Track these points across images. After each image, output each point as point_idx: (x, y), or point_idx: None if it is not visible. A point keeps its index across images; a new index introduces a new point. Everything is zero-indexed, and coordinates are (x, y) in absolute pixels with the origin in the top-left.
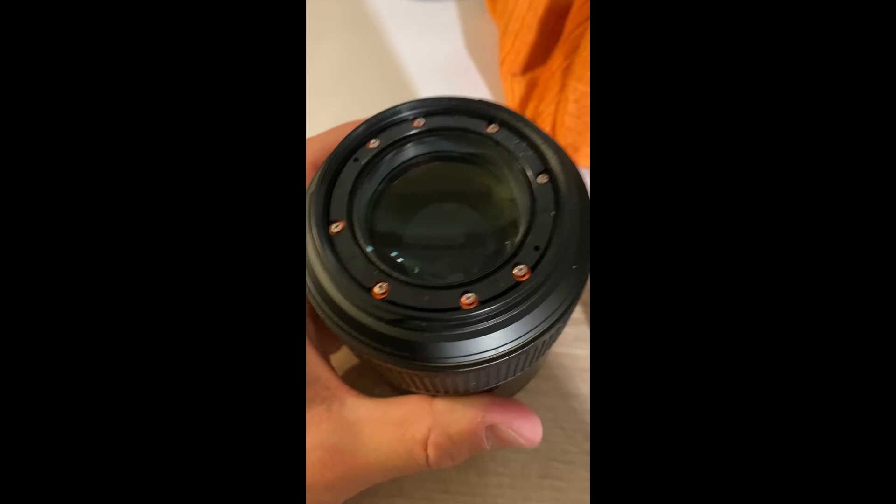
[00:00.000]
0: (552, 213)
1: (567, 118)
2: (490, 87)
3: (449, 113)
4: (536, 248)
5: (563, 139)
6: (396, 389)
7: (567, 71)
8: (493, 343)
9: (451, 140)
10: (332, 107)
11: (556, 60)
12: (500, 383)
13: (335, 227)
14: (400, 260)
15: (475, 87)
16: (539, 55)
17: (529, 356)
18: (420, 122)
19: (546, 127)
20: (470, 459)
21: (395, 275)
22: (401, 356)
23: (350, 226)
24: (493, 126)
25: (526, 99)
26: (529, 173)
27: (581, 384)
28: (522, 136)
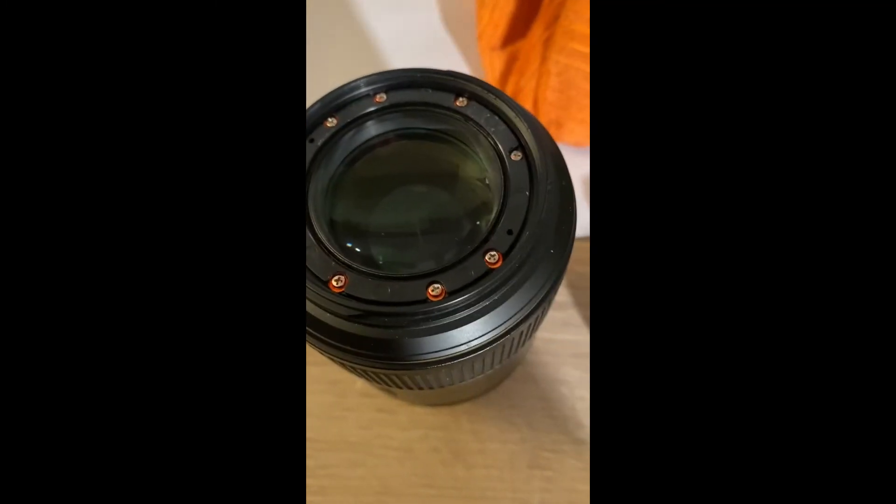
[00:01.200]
0: (527, 193)
1: (549, 93)
2: (468, 62)
3: (413, 86)
4: (510, 233)
5: (546, 115)
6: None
7: (548, 42)
8: (464, 337)
9: (415, 116)
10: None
11: (537, 32)
12: (478, 377)
13: None
14: (358, 249)
15: (453, 63)
16: (519, 27)
17: (507, 348)
18: (381, 97)
19: (528, 103)
20: (456, 452)
21: (355, 266)
22: (362, 354)
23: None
24: (461, 99)
25: (506, 74)
26: (502, 150)
27: (571, 370)
28: (494, 110)
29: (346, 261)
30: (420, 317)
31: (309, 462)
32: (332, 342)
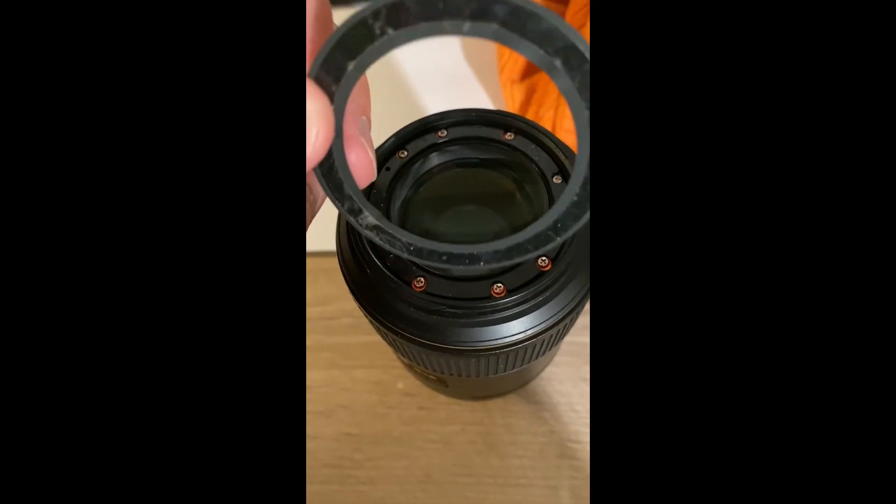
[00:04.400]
0: None
1: (566, 121)
2: (490, 94)
3: (469, 123)
4: None
5: (564, 140)
6: (417, 374)
7: None
8: (520, 327)
9: (471, 148)
10: None
11: None
12: (524, 366)
13: None
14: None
15: (475, 96)
16: None
17: (552, 339)
18: (443, 132)
19: None
20: (491, 444)
21: (432, 269)
22: (437, 342)
23: None
24: (509, 133)
25: (526, 104)
26: (546, 174)
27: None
28: (537, 142)
29: (425, 265)
30: (487, 310)
31: (356, 455)
32: (414, 332)
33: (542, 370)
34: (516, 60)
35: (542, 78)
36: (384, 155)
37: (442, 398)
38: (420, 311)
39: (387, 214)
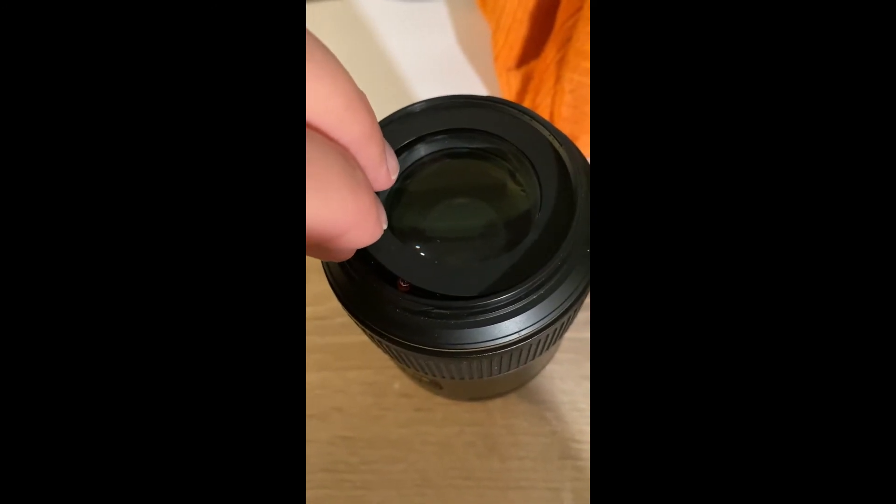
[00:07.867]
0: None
1: (564, 109)
2: (485, 82)
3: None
4: None
5: (562, 130)
6: (410, 376)
7: (561, 62)
8: (514, 327)
9: (460, 137)
10: None
11: (550, 53)
12: (520, 367)
13: None
14: (422, 254)
15: (470, 84)
16: (532, 48)
17: (548, 339)
18: None
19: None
20: (491, 446)
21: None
22: (425, 344)
23: None
24: None
25: (522, 92)
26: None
27: None
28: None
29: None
30: (477, 309)
31: (351, 459)
32: (400, 334)
33: (543, 368)
34: (511, 47)
35: (539, 65)
36: None
37: (439, 399)
38: (405, 313)
39: None
